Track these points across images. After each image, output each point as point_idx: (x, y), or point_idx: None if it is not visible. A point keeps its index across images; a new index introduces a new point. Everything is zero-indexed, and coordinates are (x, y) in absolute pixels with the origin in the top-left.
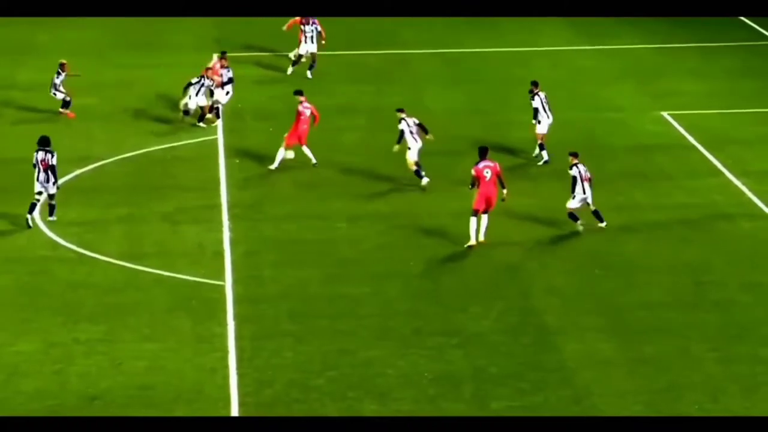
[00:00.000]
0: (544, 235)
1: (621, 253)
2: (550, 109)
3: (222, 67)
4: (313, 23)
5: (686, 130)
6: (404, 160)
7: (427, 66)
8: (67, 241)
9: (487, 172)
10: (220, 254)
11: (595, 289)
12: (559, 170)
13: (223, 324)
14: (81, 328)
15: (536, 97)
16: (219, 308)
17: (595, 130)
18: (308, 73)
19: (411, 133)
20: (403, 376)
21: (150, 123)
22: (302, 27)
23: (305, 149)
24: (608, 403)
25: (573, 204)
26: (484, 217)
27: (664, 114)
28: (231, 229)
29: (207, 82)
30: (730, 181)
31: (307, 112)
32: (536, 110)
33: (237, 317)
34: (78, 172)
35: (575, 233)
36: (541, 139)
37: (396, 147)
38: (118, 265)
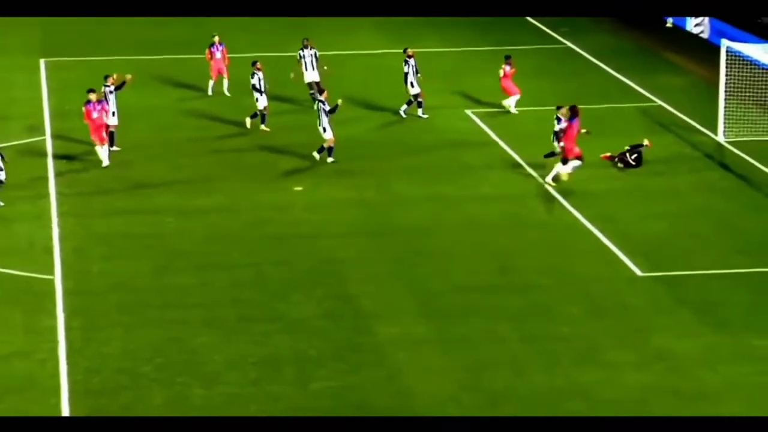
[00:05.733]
0: (363, 225)
1: (432, 242)
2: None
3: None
4: (312, 48)
5: (489, 127)
6: (225, 155)
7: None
8: None
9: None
10: (50, 250)
11: (408, 276)
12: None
13: (53, 316)
14: None
15: None
16: (49, 301)
17: (405, 128)
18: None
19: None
20: (229, 361)
21: None
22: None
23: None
24: (421, 381)
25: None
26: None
27: (468, 112)
28: (60, 226)
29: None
30: (529, 174)
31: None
32: None
33: (67, 310)
34: None
35: (392, 224)
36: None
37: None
38: None
